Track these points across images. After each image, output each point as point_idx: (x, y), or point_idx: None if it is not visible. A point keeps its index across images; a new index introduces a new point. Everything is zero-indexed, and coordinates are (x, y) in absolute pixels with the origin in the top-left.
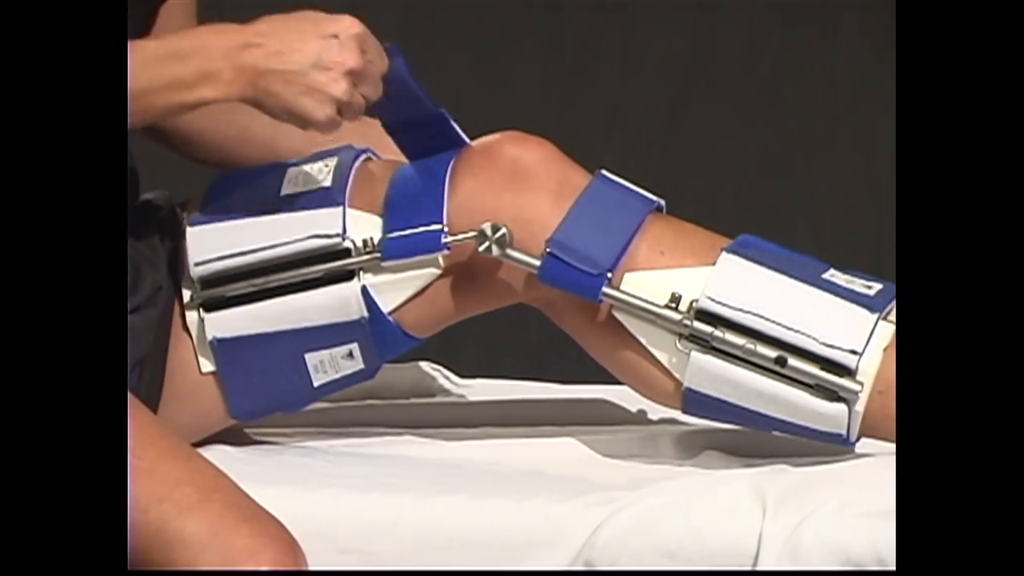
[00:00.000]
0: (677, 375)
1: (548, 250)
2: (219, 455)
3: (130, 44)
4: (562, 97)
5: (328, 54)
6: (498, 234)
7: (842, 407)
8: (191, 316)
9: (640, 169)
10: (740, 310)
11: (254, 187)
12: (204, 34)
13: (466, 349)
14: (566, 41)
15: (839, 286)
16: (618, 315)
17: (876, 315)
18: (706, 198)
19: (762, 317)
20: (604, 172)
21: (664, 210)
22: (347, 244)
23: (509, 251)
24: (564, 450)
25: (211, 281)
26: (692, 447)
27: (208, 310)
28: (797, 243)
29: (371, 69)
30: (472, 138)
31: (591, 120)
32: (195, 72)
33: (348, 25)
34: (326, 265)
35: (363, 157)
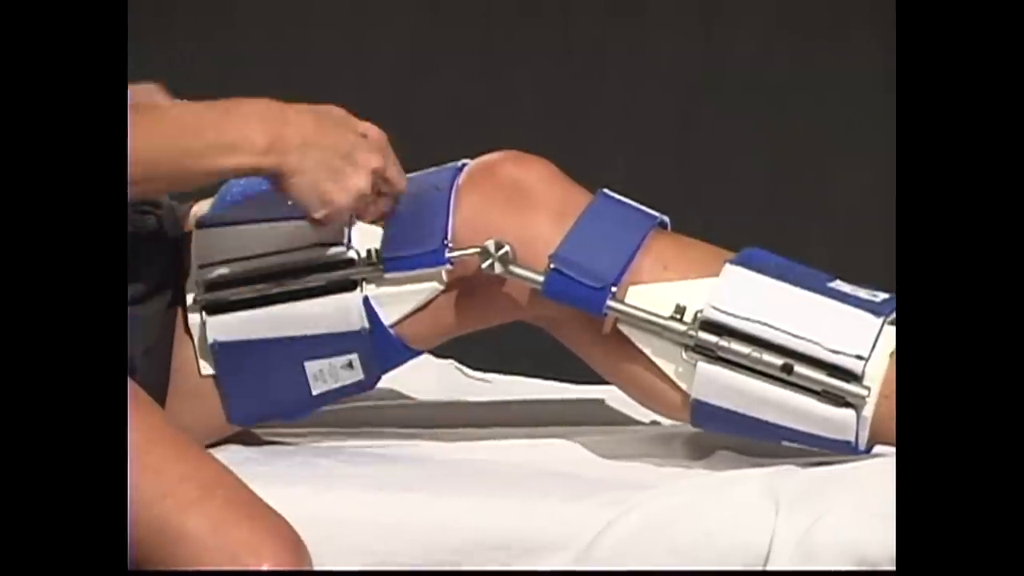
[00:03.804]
0: (684, 386)
1: (552, 265)
2: (231, 455)
3: (162, 106)
4: (572, 105)
5: (358, 150)
6: (501, 251)
7: (850, 412)
8: (193, 318)
9: (651, 177)
10: (745, 319)
11: (264, 194)
12: (244, 105)
13: (479, 345)
14: (575, 48)
15: (843, 293)
16: (623, 328)
17: (881, 319)
18: (718, 205)
19: (767, 325)
20: (606, 191)
21: (668, 226)
22: (351, 254)
23: (512, 268)
24: (576, 450)
25: (215, 284)
26: (704, 447)
27: (210, 313)
28: (810, 251)
29: (393, 174)
30: (481, 148)
31: (601, 129)
32: (233, 139)
33: (376, 132)
34: (329, 274)
35: None
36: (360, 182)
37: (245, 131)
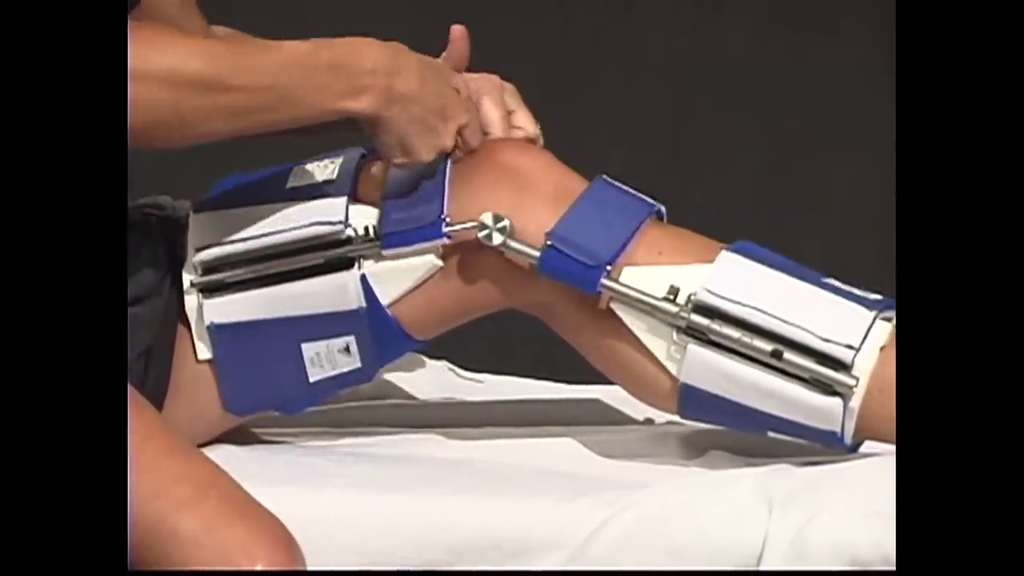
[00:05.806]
0: (673, 369)
1: (548, 242)
2: (224, 454)
3: (276, 43)
4: (567, 97)
5: (451, 108)
6: (500, 224)
7: (837, 402)
8: (191, 302)
9: (646, 169)
10: (738, 303)
11: (260, 183)
12: (363, 50)
13: (471, 345)
14: (570, 40)
15: (837, 287)
16: (615, 307)
17: (873, 313)
18: (712, 197)
19: (759, 310)
20: (604, 176)
21: (664, 216)
22: (348, 232)
23: (509, 241)
24: (570, 450)
25: (212, 266)
26: (698, 447)
27: (208, 295)
28: (803, 243)
29: (468, 132)
30: None
31: (596, 122)
32: (347, 84)
33: (464, 86)
34: (327, 252)
35: (369, 157)
36: (446, 141)
37: (359, 80)
